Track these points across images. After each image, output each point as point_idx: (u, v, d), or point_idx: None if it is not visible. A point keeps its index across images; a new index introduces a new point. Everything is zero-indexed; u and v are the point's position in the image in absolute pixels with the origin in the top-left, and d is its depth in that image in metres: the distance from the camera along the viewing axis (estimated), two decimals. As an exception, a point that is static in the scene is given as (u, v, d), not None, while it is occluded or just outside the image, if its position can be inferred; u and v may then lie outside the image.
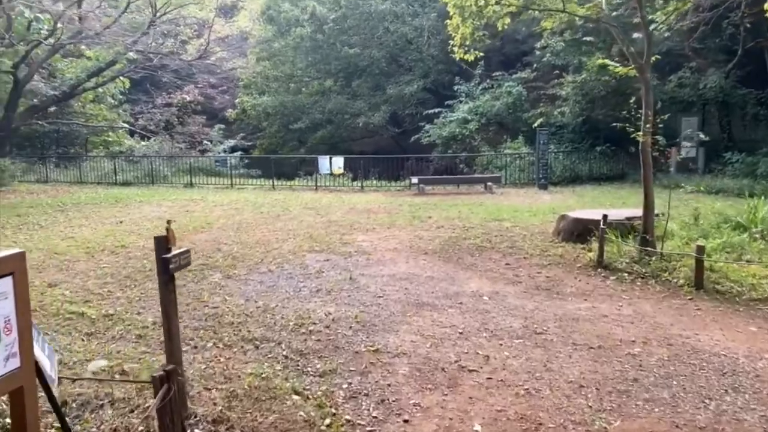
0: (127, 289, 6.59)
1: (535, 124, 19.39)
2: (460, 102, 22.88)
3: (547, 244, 8.76)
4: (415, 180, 15.92)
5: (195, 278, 7.01)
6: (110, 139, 28.44)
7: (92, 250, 8.74)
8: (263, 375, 4.14)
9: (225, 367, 4.33)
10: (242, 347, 4.78)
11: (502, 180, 16.81)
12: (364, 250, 8.55)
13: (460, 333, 5.07)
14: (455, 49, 9.76)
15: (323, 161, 17.74)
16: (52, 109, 27.18)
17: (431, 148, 23.62)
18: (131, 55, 27.93)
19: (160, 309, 3.52)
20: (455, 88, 23.21)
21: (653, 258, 7.23)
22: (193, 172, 20.16)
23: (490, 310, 5.70)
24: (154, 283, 6.42)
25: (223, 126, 27.30)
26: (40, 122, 24.80)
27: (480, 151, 20.23)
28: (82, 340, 4.97)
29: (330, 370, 4.27)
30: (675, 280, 6.63)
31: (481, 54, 10.51)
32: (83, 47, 28.09)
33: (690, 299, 6.06)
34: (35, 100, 25.82)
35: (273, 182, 18.14)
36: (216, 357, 4.56)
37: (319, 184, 17.80)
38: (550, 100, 21.05)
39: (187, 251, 3.52)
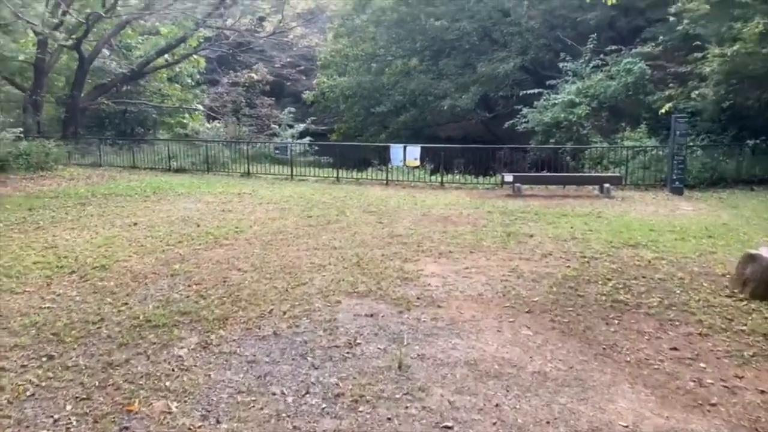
0: (32, 362, 4.02)
1: (663, 110, 15.49)
2: (566, 82, 19.18)
3: (727, 304, 5.41)
4: (509, 178, 12.66)
5: (154, 346, 4.35)
6: (185, 120, 26.98)
7: (59, 271, 6.34)
8: None
9: None
10: None
11: (622, 180, 13.19)
12: (432, 296, 5.58)
13: None
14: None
15: (396, 151, 14.83)
16: (126, 88, 26.06)
17: (528, 136, 20.10)
18: (204, 32, 26.27)
19: None
20: (560, 65, 19.49)
21: None
22: (253, 159, 17.89)
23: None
24: (88, 349, 3.83)
25: (293, 109, 24.96)
26: (105, 102, 23.42)
27: (590, 142, 16.57)
28: None
29: None
30: None
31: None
32: (157, 24, 26.81)
33: None
34: (104, 80, 24.67)
35: (337, 174, 15.45)
36: None
37: (390, 177, 14.93)
38: (679, 81, 16.97)
39: None
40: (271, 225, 9.07)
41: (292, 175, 15.87)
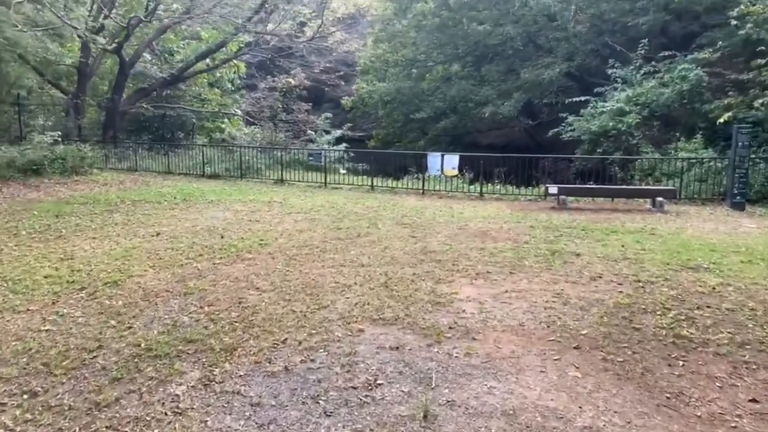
0: (13, 399, 3.60)
1: (721, 120, 14.47)
2: (615, 89, 18.24)
3: (815, 343, 4.64)
4: (553, 189, 11.89)
5: (150, 382, 3.87)
6: (223, 126, 26.98)
7: (68, 287, 5.98)
8: None
9: None
10: None
11: (677, 193, 12.25)
12: (467, 325, 4.96)
13: None
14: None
15: (434, 159, 14.22)
16: (166, 93, 26.22)
17: (573, 145, 19.20)
18: (245, 37, 26.25)
19: None
20: (609, 72, 18.55)
21: None
22: (288, 165, 17.56)
23: None
24: (77, 384, 3.38)
25: (330, 114, 24.59)
26: (144, 106, 23.55)
27: (641, 152, 15.62)
28: None
29: None
30: None
31: None
32: (198, 28, 26.96)
33: None
34: (145, 84, 24.87)
35: (372, 182, 14.94)
36: None
37: (427, 187, 14.32)
38: (738, 89, 15.87)
39: None
40: (298, 237, 8.59)
41: (325, 182, 15.44)
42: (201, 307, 5.35)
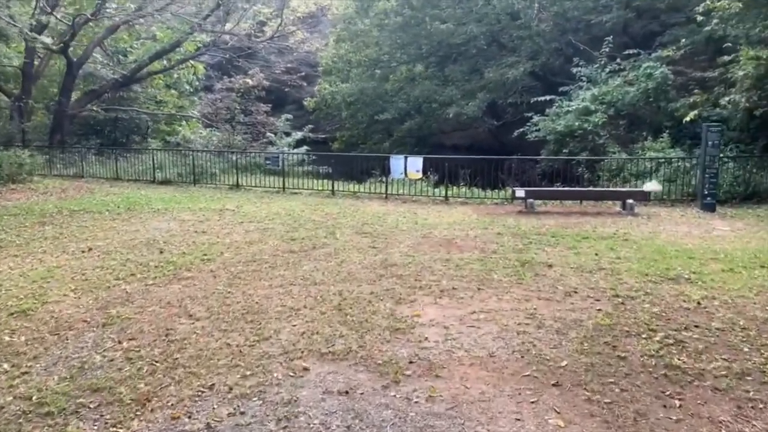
0: None
1: (687, 118, 14.22)
2: (580, 88, 17.91)
3: (819, 370, 4.11)
4: (521, 193, 11.35)
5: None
6: (179, 129, 25.76)
7: (-33, 317, 5.11)
8: None
9: None
10: None
11: (649, 195, 11.84)
12: (429, 357, 4.28)
13: None
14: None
15: (396, 162, 13.56)
16: (120, 95, 24.93)
17: (539, 146, 18.83)
18: (202, 37, 25.17)
19: None
20: (574, 70, 18.22)
21: None
22: (246, 170, 16.70)
23: None
24: None
25: (290, 116, 23.73)
26: (95, 109, 22.31)
27: (607, 152, 15.26)
28: None
29: None
30: None
31: None
32: (153, 28, 25.75)
33: None
34: (96, 86, 23.55)
35: (333, 187, 14.21)
36: None
37: (390, 191, 13.66)
38: (702, 87, 15.70)
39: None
40: (246, 251, 7.82)
41: (284, 187, 14.64)
42: (119, 342, 4.56)
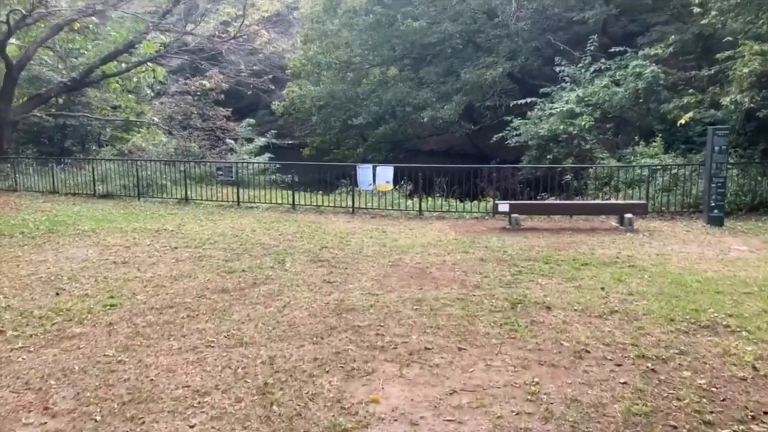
0: None
1: (682, 121, 12.99)
2: (563, 89, 16.61)
3: None
4: (504, 207, 9.88)
5: None
6: (138, 135, 23.78)
7: None
8: None
9: None
10: None
11: (647, 208, 10.48)
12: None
13: None
14: None
15: (364, 172, 11.99)
16: (73, 98, 22.97)
17: (519, 151, 17.52)
18: (162, 38, 23.33)
19: None
20: (557, 70, 16.91)
21: None
22: (200, 180, 15.03)
23: None
24: None
25: (252, 121, 22.02)
26: (37, 114, 20.39)
27: (594, 158, 13.95)
28: None
29: None
30: None
31: None
32: (109, 28, 23.85)
33: None
34: (42, 89, 21.56)
35: (293, 200, 12.61)
36: None
37: (358, 204, 12.13)
38: (691, 87, 14.53)
39: None
40: (167, 290, 6.21)
41: (238, 201, 13.00)
42: None
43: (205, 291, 6.18)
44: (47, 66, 22.33)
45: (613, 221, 10.13)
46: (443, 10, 21.74)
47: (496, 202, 10.24)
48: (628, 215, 9.64)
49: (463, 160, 28.80)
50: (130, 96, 24.60)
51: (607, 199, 12.01)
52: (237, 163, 14.51)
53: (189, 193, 13.65)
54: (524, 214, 10.16)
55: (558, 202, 10.96)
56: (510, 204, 9.87)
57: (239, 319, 5.25)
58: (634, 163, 12.95)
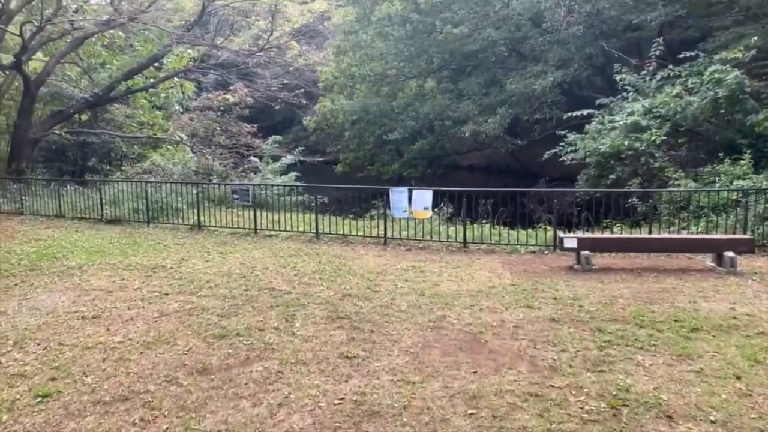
0: None
1: (775, 134, 10.92)
2: (624, 100, 14.65)
3: None
4: (571, 243, 8.00)
5: None
6: (155, 154, 22.67)
7: None
8: None
9: None
10: None
11: (753, 243, 8.39)
12: None
13: None
14: None
15: (398, 196, 10.23)
16: (97, 115, 22.09)
17: (571, 169, 15.59)
18: (190, 52, 22.22)
19: None
20: (617, 78, 14.93)
21: None
22: (220, 202, 13.61)
23: None
24: None
25: (279, 137, 20.52)
26: (57, 132, 19.42)
27: (668, 178, 11.93)
28: None
29: None
30: None
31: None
32: (135, 42, 22.90)
33: None
34: (63, 107, 20.62)
35: (317, 229, 10.97)
36: None
37: (390, 233, 10.42)
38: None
39: None
40: (132, 366, 4.59)
41: (255, 228, 11.45)
42: None
43: (180, 370, 4.54)
44: (69, 82, 21.48)
45: (707, 260, 8.14)
46: (485, 16, 20.06)
47: (561, 236, 8.35)
48: (729, 254, 7.65)
49: (505, 176, 26.97)
50: (157, 112, 23.60)
51: (684, 227, 10.02)
52: (254, 185, 12.94)
53: (203, 218, 12.17)
54: (596, 251, 8.25)
55: (642, 236, 8.94)
56: (578, 239, 7.98)
57: (211, 427, 3.58)
58: (721, 186, 10.86)
